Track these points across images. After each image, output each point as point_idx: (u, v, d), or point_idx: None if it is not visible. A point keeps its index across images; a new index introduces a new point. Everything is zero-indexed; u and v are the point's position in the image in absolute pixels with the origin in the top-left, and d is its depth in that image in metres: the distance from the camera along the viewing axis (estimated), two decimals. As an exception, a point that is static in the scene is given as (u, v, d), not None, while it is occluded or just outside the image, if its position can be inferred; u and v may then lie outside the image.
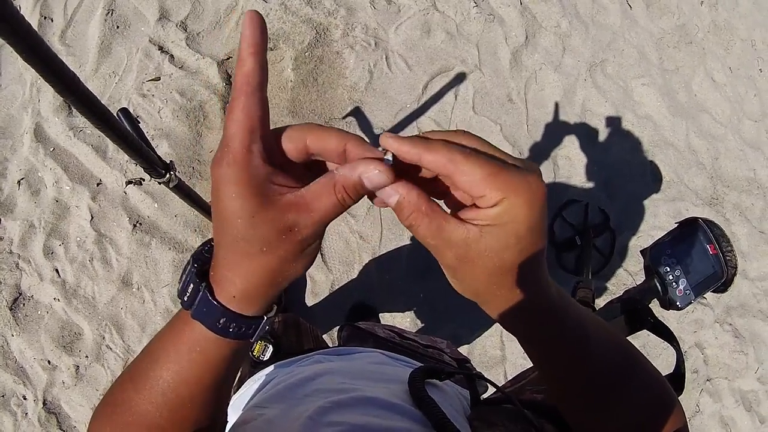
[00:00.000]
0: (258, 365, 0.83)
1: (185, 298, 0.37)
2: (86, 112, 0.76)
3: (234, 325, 0.36)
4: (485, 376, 0.63)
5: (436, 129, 0.40)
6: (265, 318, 0.38)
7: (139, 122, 0.91)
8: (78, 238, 1.86)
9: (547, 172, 2.03)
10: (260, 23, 0.33)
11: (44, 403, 1.77)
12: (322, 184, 0.34)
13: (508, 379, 0.65)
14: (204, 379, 0.39)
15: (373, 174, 0.33)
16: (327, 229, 0.36)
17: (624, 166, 2.08)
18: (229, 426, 0.65)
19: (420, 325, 1.88)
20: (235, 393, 0.78)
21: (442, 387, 0.61)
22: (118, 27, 1.97)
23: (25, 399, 1.79)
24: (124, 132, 0.85)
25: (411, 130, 1.95)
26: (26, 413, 1.77)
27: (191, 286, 0.37)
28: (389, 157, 0.34)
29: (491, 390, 0.75)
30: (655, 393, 0.47)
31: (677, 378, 0.76)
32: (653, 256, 1.12)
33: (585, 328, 0.42)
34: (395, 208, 0.35)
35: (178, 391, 0.39)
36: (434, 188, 0.37)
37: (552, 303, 0.39)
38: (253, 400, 0.66)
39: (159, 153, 1.00)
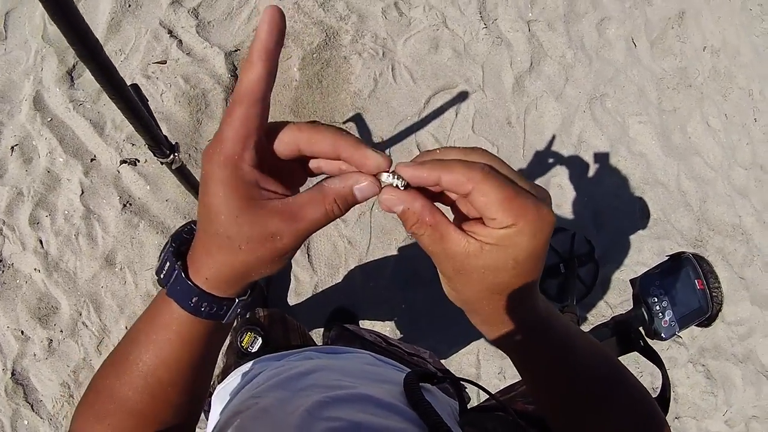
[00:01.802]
0: (245, 356, 0.83)
1: (162, 275, 0.38)
2: (104, 81, 0.75)
3: (205, 304, 0.37)
4: (480, 384, 0.64)
5: (438, 146, 0.41)
6: (237, 300, 0.39)
7: (148, 101, 0.91)
8: (66, 212, 1.85)
9: (539, 198, 2.05)
10: (279, 23, 0.32)
11: (12, 374, 1.75)
12: (310, 195, 0.35)
13: (482, 396, 0.65)
14: (182, 360, 0.40)
15: (364, 186, 0.34)
16: (317, 231, 0.36)
17: (614, 200, 2.11)
18: (219, 414, 0.65)
19: (399, 335, 1.89)
20: (220, 383, 0.78)
21: (434, 392, 0.62)
22: (130, 6, 1.98)
23: (-7, 367, 1.77)
24: (136, 105, 0.85)
25: (409, 143, 1.97)
26: (-7, 382, 1.76)
27: (167, 264, 0.38)
28: (397, 182, 0.34)
29: (475, 401, 0.76)
30: (641, 408, 0.47)
31: (662, 401, 0.77)
32: (642, 285, 1.15)
33: (570, 342, 0.43)
34: (400, 216, 0.35)
35: (157, 374, 0.40)
36: (441, 197, 0.38)
37: (538, 320, 0.40)
38: (243, 390, 0.66)
39: (158, 137, 1.01)
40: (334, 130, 0.34)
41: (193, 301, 0.37)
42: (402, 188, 0.34)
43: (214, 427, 0.54)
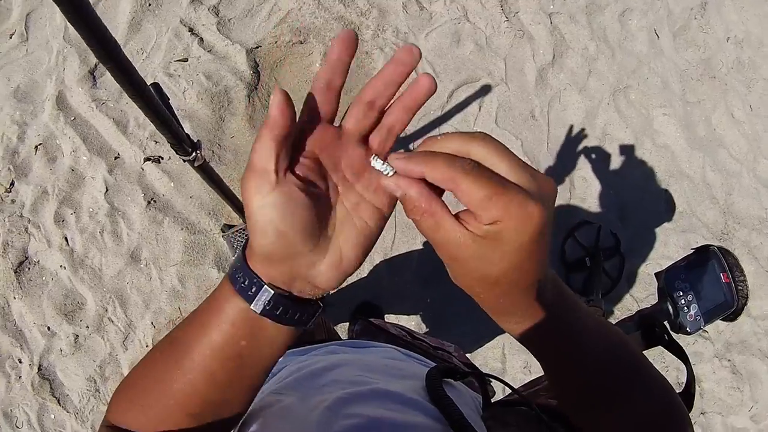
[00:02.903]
0: None
1: (237, 279, 0.38)
2: (123, 81, 0.76)
3: (282, 308, 0.37)
4: (502, 378, 0.63)
5: None
6: (320, 306, 0.40)
7: (169, 99, 0.91)
8: (90, 209, 1.86)
9: (563, 192, 2.04)
10: (349, 54, 0.36)
11: (39, 369, 1.77)
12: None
13: (507, 390, 0.65)
14: (257, 368, 0.40)
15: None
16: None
17: (639, 193, 2.09)
18: None
19: (425, 329, 1.88)
20: None
21: (457, 387, 0.62)
22: (150, 5, 1.99)
23: (20, 362, 1.78)
24: (156, 105, 0.86)
25: (432, 136, 1.96)
26: (20, 377, 1.77)
27: (245, 274, 0.38)
28: (388, 168, 0.36)
29: (499, 395, 0.75)
30: (660, 402, 0.46)
31: (687, 397, 0.76)
32: (668, 279, 1.13)
33: (584, 335, 0.42)
34: (400, 200, 0.36)
35: (211, 371, 0.39)
36: None
37: (544, 312, 0.39)
38: (267, 383, 0.65)
39: (183, 132, 1.00)
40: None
41: (279, 309, 0.37)
42: (390, 174, 0.36)
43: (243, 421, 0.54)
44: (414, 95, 0.36)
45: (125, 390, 0.44)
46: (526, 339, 0.41)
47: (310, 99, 0.37)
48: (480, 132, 0.35)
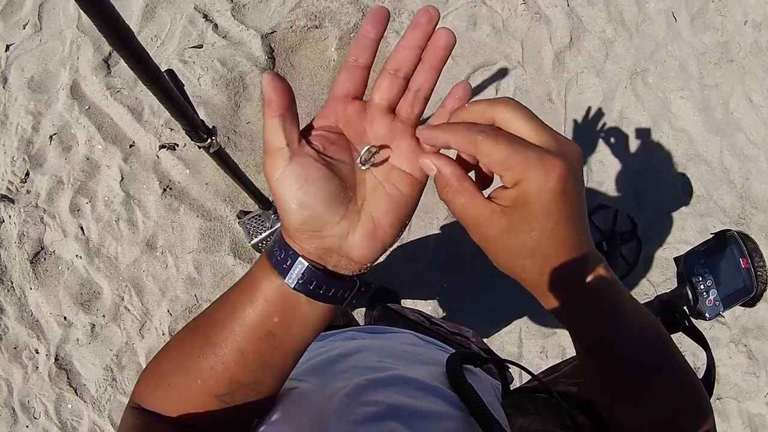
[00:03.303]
0: None
1: (276, 260, 0.38)
2: (137, 68, 0.75)
3: (324, 286, 0.37)
4: (522, 365, 0.62)
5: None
6: (356, 282, 0.39)
7: (184, 85, 0.90)
8: (106, 198, 1.85)
9: (580, 176, 2.02)
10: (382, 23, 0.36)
11: (56, 359, 1.77)
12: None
13: (525, 376, 0.64)
14: (287, 341, 0.39)
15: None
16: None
17: (656, 177, 2.07)
18: None
19: (442, 314, 1.88)
20: None
21: (477, 373, 0.61)
22: (163, -9, 1.97)
23: (37, 353, 1.78)
24: (171, 91, 0.85)
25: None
26: (37, 367, 1.77)
27: (282, 251, 0.38)
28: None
29: (517, 382, 0.74)
30: (688, 389, 0.46)
31: (707, 384, 0.75)
32: (687, 264, 1.12)
33: (623, 316, 0.41)
34: (435, 181, 0.37)
35: (251, 352, 0.38)
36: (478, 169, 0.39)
37: (585, 288, 0.38)
38: None
39: (198, 119, 0.99)
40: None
41: (312, 283, 0.37)
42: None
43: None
44: (434, 52, 0.37)
45: (153, 369, 0.44)
46: (569, 318, 0.41)
47: (338, 74, 0.37)
48: (505, 97, 0.36)
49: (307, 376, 0.54)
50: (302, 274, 0.36)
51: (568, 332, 0.43)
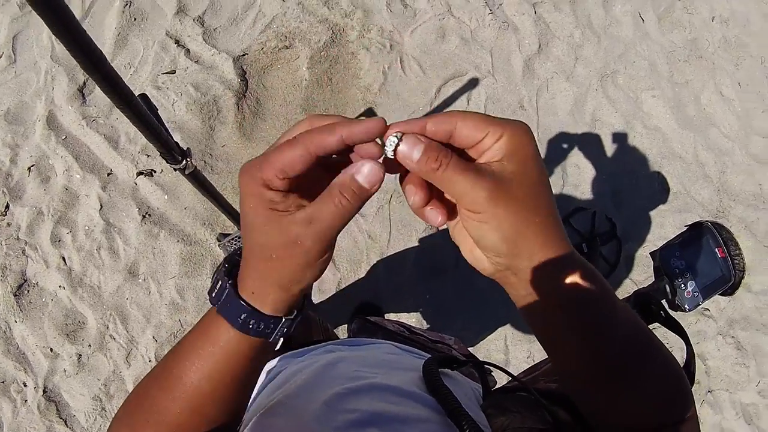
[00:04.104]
0: None
1: (213, 294, 0.40)
2: (110, 91, 0.76)
3: (253, 321, 0.38)
4: (499, 365, 0.63)
5: None
6: (284, 319, 0.39)
7: (158, 109, 0.91)
8: (86, 227, 1.86)
9: (556, 180, 2.04)
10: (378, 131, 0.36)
11: (44, 391, 1.76)
12: (322, 197, 0.36)
13: (508, 378, 0.64)
14: (225, 376, 0.40)
15: (364, 169, 0.35)
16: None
17: (632, 176, 2.09)
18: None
19: (426, 325, 1.88)
20: None
21: (455, 377, 0.62)
22: (135, 19, 1.99)
23: (25, 386, 1.78)
24: (144, 114, 0.86)
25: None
26: (26, 400, 1.76)
27: (219, 283, 0.40)
28: (389, 148, 0.36)
29: (501, 384, 0.75)
30: (673, 381, 0.46)
31: (687, 374, 0.75)
32: (663, 257, 1.13)
33: (611, 291, 0.41)
34: (422, 157, 0.35)
35: (200, 388, 0.40)
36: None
37: (578, 258, 0.39)
38: (267, 388, 0.66)
39: (175, 143, 1.01)
40: (332, 122, 0.36)
41: (242, 317, 0.38)
42: (390, 155, 0.37)
43: (240, 425, 0.54)
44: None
45: (123, 413, 0.46)
46: (562, 301, 0.39)
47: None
48: (440, 113, 0.37)
49: (286, 388, 0.55)
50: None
51: (539, 332, 0.43)
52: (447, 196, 0.40)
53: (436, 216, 0.39)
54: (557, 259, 0.37)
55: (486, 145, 0.35)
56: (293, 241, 0.35)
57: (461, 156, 0.37)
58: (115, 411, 1.74)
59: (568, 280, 0.38)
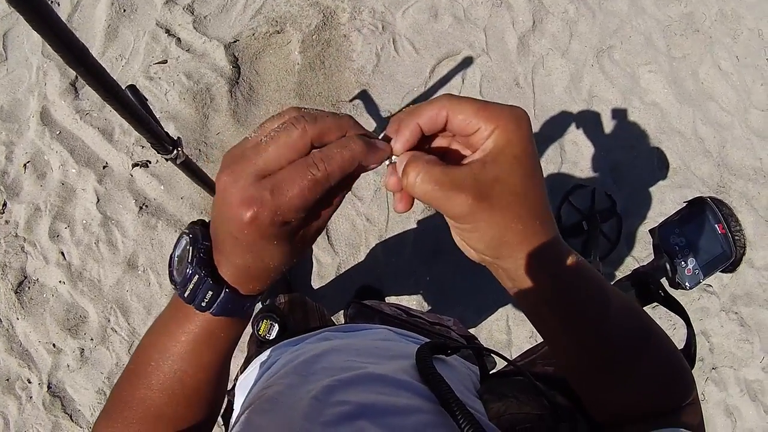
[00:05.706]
0: (264, 344, 0.82)
1: (189, 286, 0.38)
2: (95, 84, 0.75)
3: (230, 306, 0.38)
4: (495, 350, 0.62)
5: None
6: (258, 296, 0.40)
7: (147, 99, 0.90)
8: (84, 221, 1.85)
9: (554, 157, 2.02)
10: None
11: (49, 387, 1.77)
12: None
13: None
14: (203, 359, 0.41)
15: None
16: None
17: (631, 153, 2.08)
18: (240, 405, 0.65)
19: (427, 307, 1.88)
20: (242, 373, 0.78)
21: (451, 362, 0.60)
22: (124, 11, 1.97)
23: (29, 383, 1.78)
24: (132, 106, 0.85)
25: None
26: (31, 397, 1.77)
27: (195, 277, 0.37)
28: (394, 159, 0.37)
29: (500, 366, 0.74)
30: (670, 366, 0.46)
31: (688, 354, 0.74)
32: (662, 235, 1.11)
33: (603, 287, 0.41)
34: (402, 174, 0.36)
35: (179, 376, 0.41)
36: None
37: (566, 250, 0.39)
38: (260, 379, 0.65)
39: (166, 133, 1.00)
40: (339, 144, 0.34)
41: (219, 302, 0.37)
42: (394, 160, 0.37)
43: (235, 420, 0.54)
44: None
45: (106, 411, 0.46)
46: (547, 297, 0.39)
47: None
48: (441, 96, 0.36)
49: (279, 380, 0.54)
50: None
51: (531, 322, 0.43)
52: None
53: (398, 203, 0.38)
54: (542, 260, 0.37)
55: (477, 140, 0.35)
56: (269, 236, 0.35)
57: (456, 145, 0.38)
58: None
59: (553, 279, 0.38)
